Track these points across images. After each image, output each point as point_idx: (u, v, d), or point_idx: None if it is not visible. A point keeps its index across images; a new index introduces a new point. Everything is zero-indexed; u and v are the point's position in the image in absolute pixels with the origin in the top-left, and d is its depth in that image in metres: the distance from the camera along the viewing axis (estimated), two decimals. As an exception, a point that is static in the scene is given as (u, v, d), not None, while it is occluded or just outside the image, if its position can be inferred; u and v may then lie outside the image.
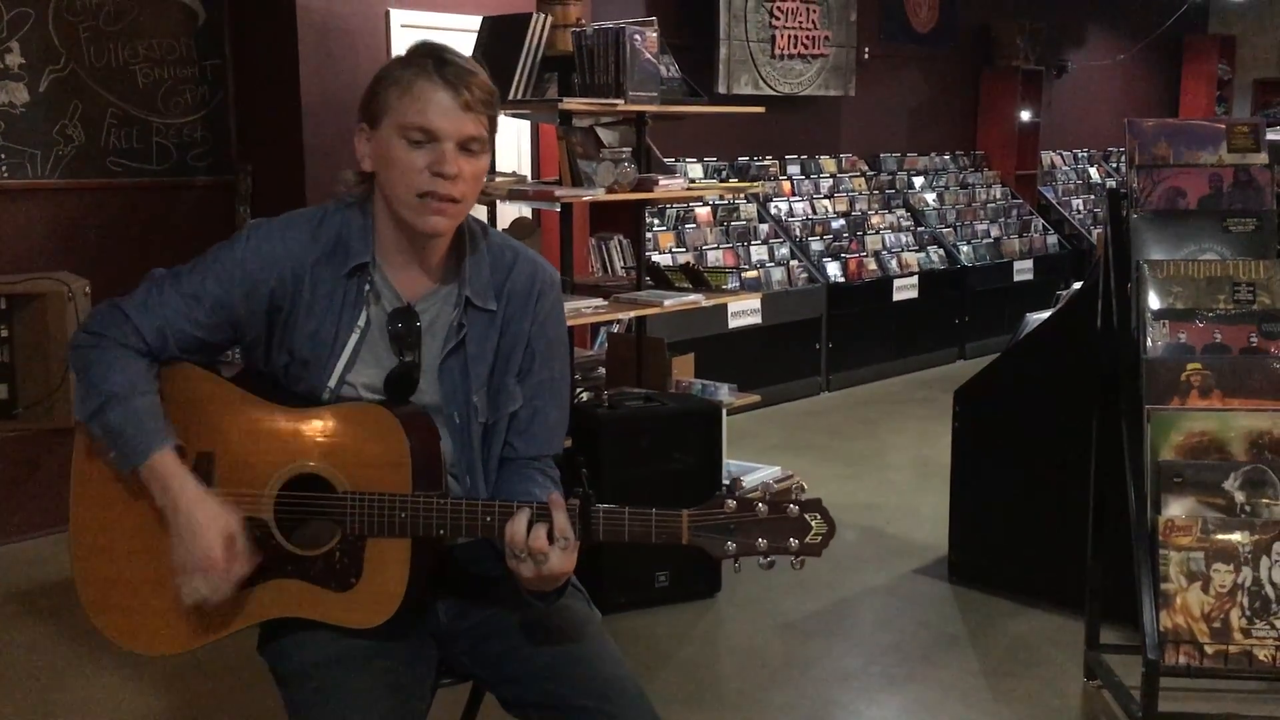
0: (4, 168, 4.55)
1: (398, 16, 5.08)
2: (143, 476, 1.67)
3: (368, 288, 1.73)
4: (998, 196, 8.93)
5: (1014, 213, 8.89)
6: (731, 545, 1.56)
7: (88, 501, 1.75)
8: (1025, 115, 9.16)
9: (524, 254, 1.84)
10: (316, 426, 1.68)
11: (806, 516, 1.57)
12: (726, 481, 4.14)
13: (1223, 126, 3.04)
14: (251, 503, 1.69)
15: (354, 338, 1.73)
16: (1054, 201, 9.47)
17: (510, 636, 1.73)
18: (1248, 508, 2.69)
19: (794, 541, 1.56)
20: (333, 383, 1.73)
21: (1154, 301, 2.88)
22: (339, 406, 1.72)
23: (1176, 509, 2.71)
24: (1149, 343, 2.85)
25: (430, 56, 1.68)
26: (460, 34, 4.89)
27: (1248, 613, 2.62)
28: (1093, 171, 10.22)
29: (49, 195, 4.68)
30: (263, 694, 3.06)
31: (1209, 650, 2.62)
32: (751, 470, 4.58)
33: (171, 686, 3.14)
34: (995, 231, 8.51)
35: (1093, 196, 9.79)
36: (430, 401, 1.76)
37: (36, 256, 4.62)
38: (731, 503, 1.57)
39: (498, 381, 1.78)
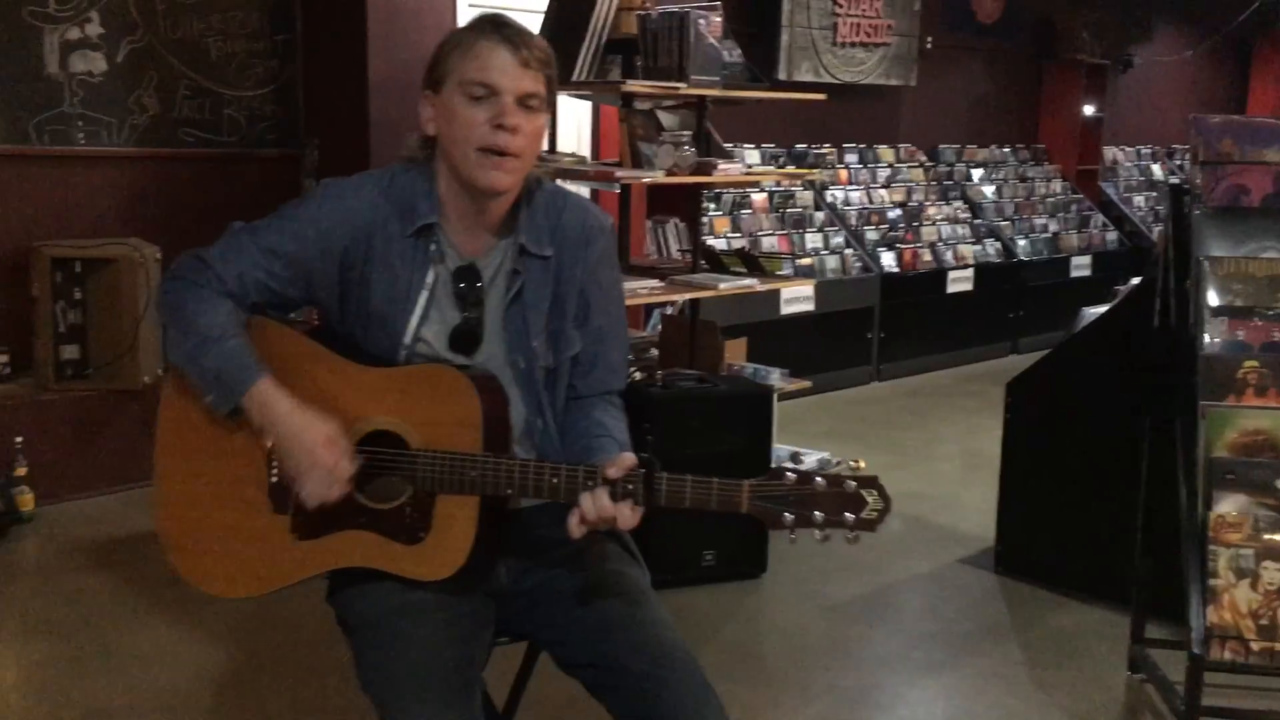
0: (81, 135, 4.69)
1: (465, -5, 5.15)
2: (244, 407, 1.74)
3: (433, 247, 1.80)
4: (1057, 191, 8.85)
5: (1073, 208, 8.80)
6: (789, 516, 1.60)
7: (173, 451, 1.84)
8: (1088, 109, 9.06)
9: (574, 200, 1.90)
10: (392, 386, 1.75)
11: (863, 492, 1.60)
12: (776, 464, 4.18)
13: (1290, 125, 3.02)
14: None
15: (424, 296, 1.79)
16: (1115, 198, 9.36)
17: (568, 599, 1.79)
18: (1300, 507, 2.69)
19: (850, 516, 1.60)
20: (408, 339, 1.79)
21: (1213, 298, 2.87)
22: (414, 367, 1.78)
23: (1228, 506, 2.71)
24: (1206, 339, 2.84)
25: (490, 21, 1.77)
26: (527, 14, 4.95)
27: (1296, 611, 2.62)
28: (1156, 169, 10.08)
29: (123, 163, 4.82)
30: (321, 649, 3.16)
31: (1255, 647, 2.62)
32: (801, 456, 4.61)
33: (230, 639, 3.25)
34: (1054, 226, 8.43)
35: (1155, 194, 9.65)
36: (495, 351, 1.82)
37: (110, 222, 4.76)
38: (791, 475, 1.61)
39: (555, 326, 1.84)
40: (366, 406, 1.76)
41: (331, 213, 1.79)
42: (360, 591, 1.76)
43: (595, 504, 1.63)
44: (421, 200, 1.80)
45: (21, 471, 4.10)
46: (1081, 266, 8.24)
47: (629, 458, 1.66)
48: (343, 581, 1.79)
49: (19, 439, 4.12)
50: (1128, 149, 9.99)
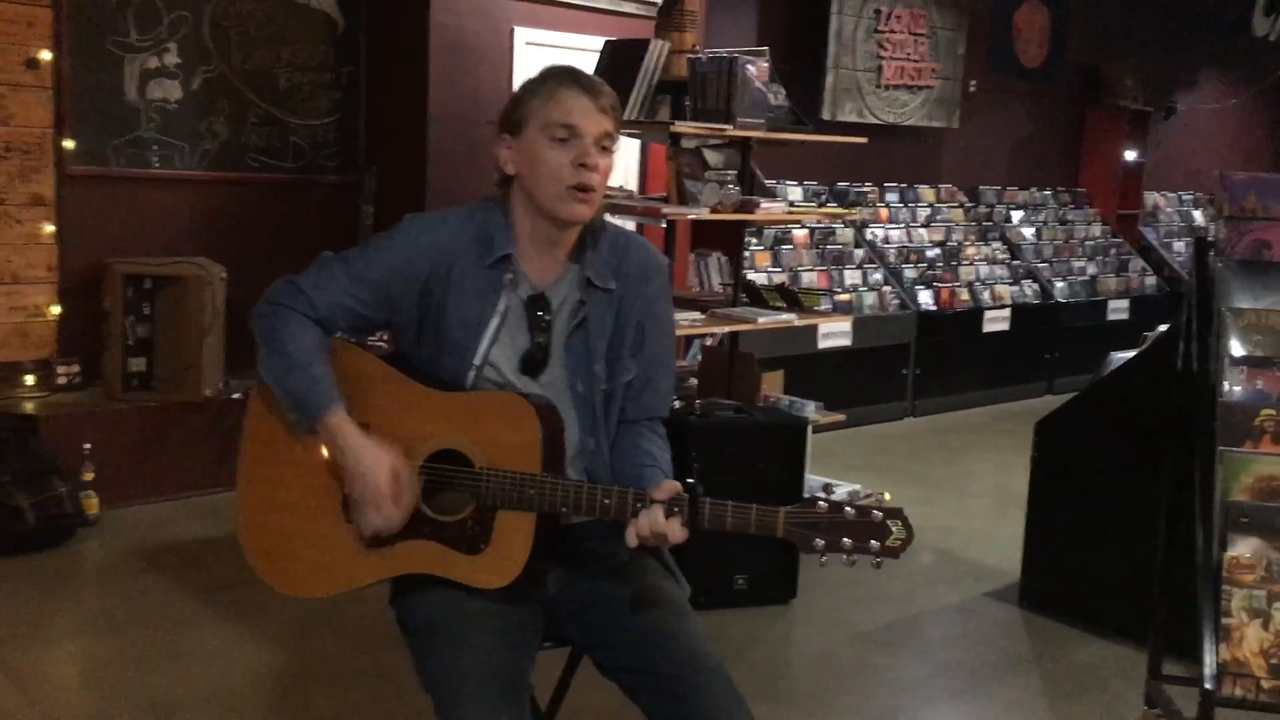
0: (155, 158, 4.93)
1: (522, 34, 5.36)
2: (318, 431, 1.92)
3: (509, 276, 1.98)
4: (1097, 235, 8.93)
5: (1112, 252, 8.87)
6: (820, 542, 1.77)
7: (257, 460, 2.02)
8: (1130, 155, 9.14)
9: (635, 240, 2.09)
10: (460, 408, 1.92)
11: (889, 523, 1.77)
12: (809, 494, 4.30)
13: (1312, 183, 3.13)
14: None
15: (495, 321, 1.97)
16: (1154, 243, 9.42)
17: (610, 608, 1.94)
18: (1313, 552, 2.78)
19: (875, 544, 1.77)
20: (478, 360, 1.96)
21: (1234, 348, 2.98)
22: (481, 392, 1.95)
23: (1242, 548, 2.81)
24: (1226, 387, 2.95)
25: (565, 72, 1.97)
26: (581, 54, 5.14)
27: (1305, 651, 2.71)
28: (1197, 215, 10.12)
29: (193, 186, 5.05)
30: (371, 655, 3.32)
31: (1265, 685, 2.71)
32: (833, 487, 4.73)
33: (284, 642, 3.42)
34: (1092, 269, 8.51)
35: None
36: (559, 374, 1.99)
37: (179, 241, 4.99)
38: (823, 504, 1.78)
39: (614, 354, 2.02)
40: (435, 427, 1.92)
41: (415, 244, 1.98)
42: (422, 598, 1.92)
43: (650, 520, 1.80)
44: (499, 233, 1.99)
45: (89, 477, 4.31)
46: (1119, 310, 8.31)
47: (673, 485, 1.83)
48: (406, 587, 1.95)
49: (87, 446, 4.33)
50: (1169, 194, 10.04)
